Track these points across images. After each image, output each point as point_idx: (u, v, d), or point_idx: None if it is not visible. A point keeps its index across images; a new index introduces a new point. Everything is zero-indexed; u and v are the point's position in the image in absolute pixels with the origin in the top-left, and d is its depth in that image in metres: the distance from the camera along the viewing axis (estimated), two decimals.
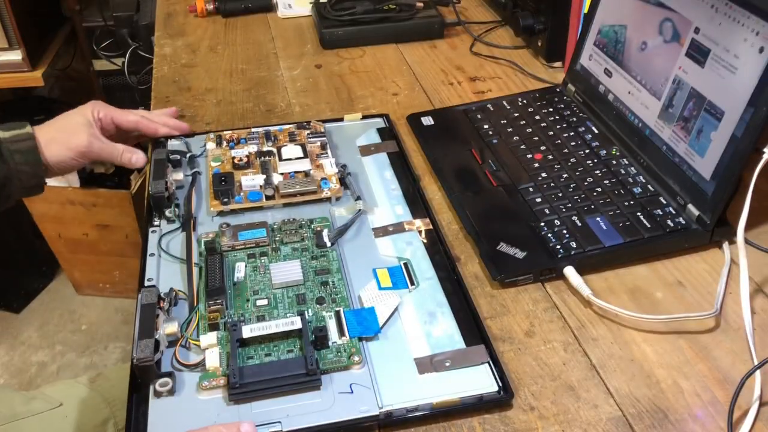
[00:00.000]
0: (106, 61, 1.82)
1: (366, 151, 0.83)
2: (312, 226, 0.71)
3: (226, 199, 0.73)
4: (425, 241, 0.70)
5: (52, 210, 1.60)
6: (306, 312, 0.61)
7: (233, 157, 0.79)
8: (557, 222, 0.70)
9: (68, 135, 0.75)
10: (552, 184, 0.75)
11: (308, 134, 0.83)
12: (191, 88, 1.00)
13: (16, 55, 1.55)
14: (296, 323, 0.58)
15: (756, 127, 0.62)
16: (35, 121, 0.75)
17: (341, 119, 0.89)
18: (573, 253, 0.66)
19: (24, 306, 1.81)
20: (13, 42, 1.54)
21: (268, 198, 0.74)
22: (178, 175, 0.76)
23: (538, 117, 0.87)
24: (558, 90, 0.92)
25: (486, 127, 0.86)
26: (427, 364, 0.57)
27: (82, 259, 1.71)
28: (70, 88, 1.92)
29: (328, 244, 0.69)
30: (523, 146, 0.82)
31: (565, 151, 0.80)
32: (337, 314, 0.61)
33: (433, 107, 0.94)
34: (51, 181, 1.57)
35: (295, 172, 0.77)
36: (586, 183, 0.75)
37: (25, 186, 0.73)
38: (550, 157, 0.79)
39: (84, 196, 1.58)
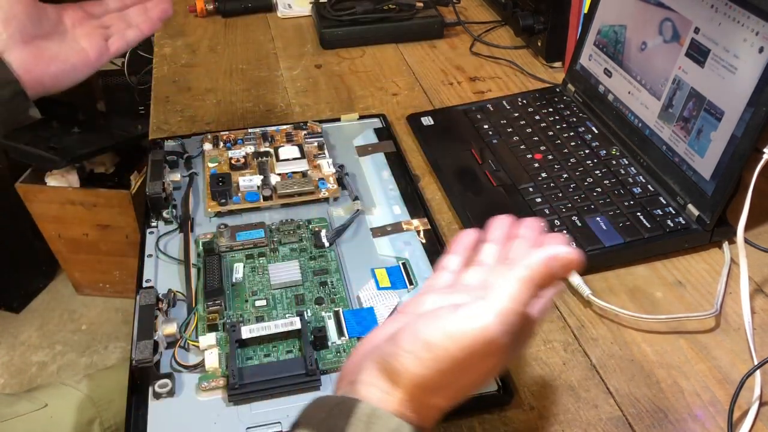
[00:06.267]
0: None
1: (363, 151, 0.83)
2: (310, 226, 0.71)
3: (223, 200, 0.73)
4: (423, 241, 0.69)
5: (52, 210, 1.60)
6: (305, 312, 0.61)
7: (230, 158, 0.79)
8: (557, 222, 0.70)
9: None
10: (552, 184, 0.75)
11: (305, 135, 0.83)
12: (191, 88, 1.00)
13: None
14: (295, 324, 0.58)
15: (756, 127, 0.62)
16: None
17: (338, 119, 0.89)
18: None
19: (24, 306, 1.81)
20: None
21: (265, 199, 0.74)
22: (175, 176, 0.76)
23: (538, 117, 0.87)
24: (558, 90, 0.92)
25: (486, 127, 0.86)
26: None
27: (82, 259, 1.71)
28: (70, 88, 1.92)
29: (327, 244, 0.69)
30: (523, 146, 0.82)
31: (565, 151, 0.80)
32: (336, 314, 0.61)
33: (433, 107, 0.94)
34: (51, 182, 1.59)
35: (293, 172, 0.77)
36: (586, 183, 0.74)
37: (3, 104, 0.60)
38: (550, 157, 0.79)
39: (84, 196, 1.58)
